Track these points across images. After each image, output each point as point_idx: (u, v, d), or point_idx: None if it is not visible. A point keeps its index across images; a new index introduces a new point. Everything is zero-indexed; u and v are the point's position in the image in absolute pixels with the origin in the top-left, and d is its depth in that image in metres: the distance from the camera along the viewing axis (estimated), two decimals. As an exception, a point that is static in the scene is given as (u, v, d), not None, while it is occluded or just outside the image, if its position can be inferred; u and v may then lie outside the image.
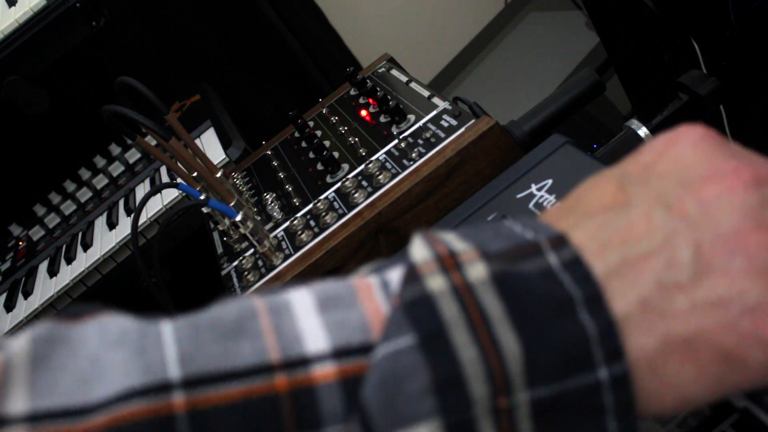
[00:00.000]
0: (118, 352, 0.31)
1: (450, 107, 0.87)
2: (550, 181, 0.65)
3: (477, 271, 0.31)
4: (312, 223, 0.86)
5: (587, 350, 0.30)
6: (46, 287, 1.45)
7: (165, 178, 1.51)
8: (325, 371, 0.30)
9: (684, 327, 0.31)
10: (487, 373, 0.29)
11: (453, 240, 0.33)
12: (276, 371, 0.30)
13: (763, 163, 0.35)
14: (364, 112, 1.01)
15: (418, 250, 0.32)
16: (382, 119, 0.95)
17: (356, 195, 0.84)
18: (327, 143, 0.99)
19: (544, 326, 0.30)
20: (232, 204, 0.87)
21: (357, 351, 0.31)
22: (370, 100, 0.99)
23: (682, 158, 0.36)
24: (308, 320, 0.32)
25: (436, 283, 0.31)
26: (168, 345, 0.31)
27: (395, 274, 0.33)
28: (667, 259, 0.32)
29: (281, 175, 1.00)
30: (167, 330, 0.32)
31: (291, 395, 0.30)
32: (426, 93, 0.93)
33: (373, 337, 0.31)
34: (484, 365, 0.29)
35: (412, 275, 0.31)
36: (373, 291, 0.33)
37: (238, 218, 0.83)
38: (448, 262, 0.31)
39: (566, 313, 0.30)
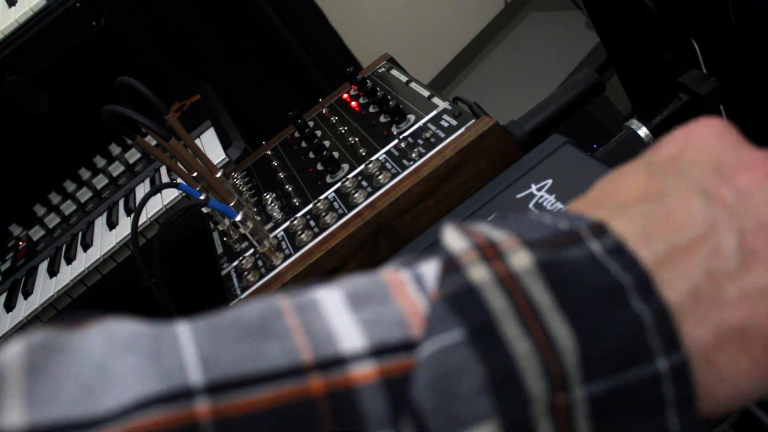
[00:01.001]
0: (129, 358, 0.27)
1: (450, 107, 0.87)
2: (550, 181, 0.65)
3: (520, 260, 0.29)
4: (312, 223, 0.86)
5: (644, 340, 0.28)
6: (46, 287, 1.45)
7: (165, 178, 1.51)
8: (365, 371, 0.28)
9: (736, 317, 0.30)
10: (542, 367, 0.27)
11: (489, 230, 0.31)
12: (309, 372, 0.27)
13: None
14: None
15: (454, 240, 0.30)
16: (382, 119, 0.95)
17: (356, 195, 0.84)
18: (327, 143, 0.99)
19: (596, 316, 0.28)
20: (232, 204, 0.87)
21: (397, 348, 0.29)
22: (371, 100, 1.00)
23: (710, 147, 0.35)
24: (340, 317, 0.29)
25: (479, 273, 0.29)
26: (186, 347, 0.28)
27: (429, 268, 0.31)
28: (712, 248, 0.31)
29: (281, 175, 1.00)
30: (183, 331, 0.29)
31: (328, 398, 0.27)
32: (426, 93, 0.93)
33: (413, 333, 0.29)
34: (539, 359, 0.27)
35: (451, 266, 0.29)
36: (407, 285, 0.31)
37: (238, 218, 0.83)
38: (489, 252, 0.29)
39: (618, 301, 0.29)
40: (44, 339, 0.28)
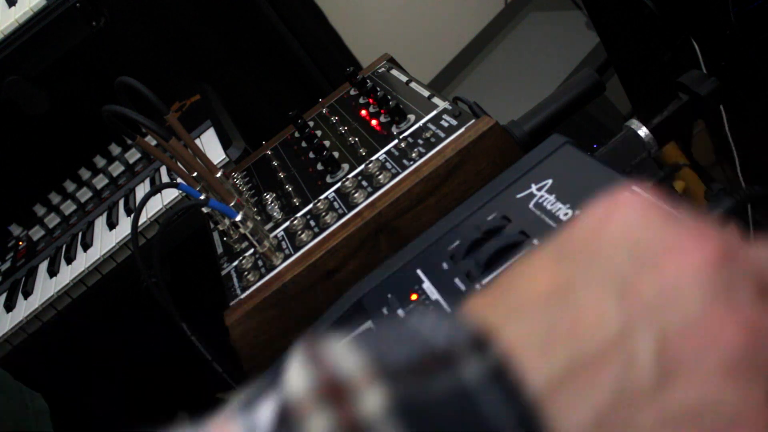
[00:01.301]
0: None
1: (450, 107, 0.87)
2: (550, 181, 0.65)
3: (373, 403, 0.24)
4: (312, 223, 0.86)
5: None
6: (46, 287, 1.45)
7: (165, 178, 1.51)
8: None
9: None
10: None
11: (344, 354, 0.26)
12: None
13: (724, 236, 0.29)
14: (364, 112, 1.01)
15: (296, 375, 0.25)
16: (382, 119, 0.95)
17: (356, 195, 0.84)
18: (327, 143, 0.99)
19: None
20: (232, 204, 0.87)
21: None
22: (370, 100, 0.99)
23: (630, 227, 0.30)
24: None
25: (318, 427, 0.24)
26: None
27: (265, 415, 0.25)
28: (625, 360, 0.25)
29: (281, 175, 1.00)
30: None
31: None
32: (426, 93, 0.93)
33: None
34: None
35: (286, 419, 0.24)
36: None
37: (238, 218, 0.83)
38: (335, 393, 0.24)
39: None
40: None
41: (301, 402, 0.24)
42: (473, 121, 0.82)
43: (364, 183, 0.85)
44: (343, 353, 0.26)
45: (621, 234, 0.29)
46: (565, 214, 0.61)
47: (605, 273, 0.28)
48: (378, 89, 0.97)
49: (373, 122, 0.96)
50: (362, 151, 0.91)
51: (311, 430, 0.24)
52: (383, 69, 1.10)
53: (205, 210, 0.92)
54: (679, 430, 0.25)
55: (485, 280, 0.61)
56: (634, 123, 0.77)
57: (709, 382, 0.25)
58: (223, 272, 0.90)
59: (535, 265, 0.30)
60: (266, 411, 0.25)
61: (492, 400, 0.24)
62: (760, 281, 0.28)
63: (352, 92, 1.08)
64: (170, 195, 1.42)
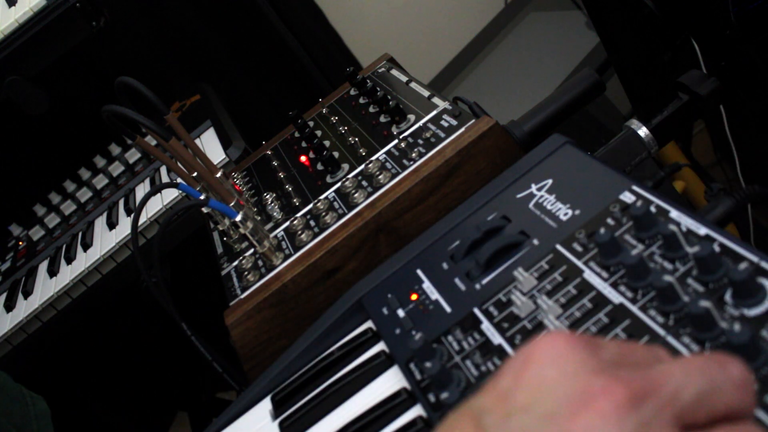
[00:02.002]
0: None
1: (450, 107, 0.87)
2: (550, 181, 0.65)
3: None
4: (312, 223, 0.86)
5: None
6: (46, 287, 1.45)
7: (165, 178, 1.51)
8: None
9: None
10: None
11: None
12: None
13: (639, 374, 0.30)
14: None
15: None
16: (382, 119, 0.95)
17: (356, 195, 0.84)
18: (327, 143, 0.99)
19: None
20: (232, 204, 0.87)
21: None
22: (370, 100, 1.00)
23: (543, 381, 0.31)
24: None
25: None
26: None
27: None
28: None
29: (281, 175, 1.00)
30: None
31: None
32: (426, 93, 0.93)
33: None
34: None
35: None
36: None
37: (238, 218, 0.83)
38: None
39: None
40: None
41: None
42: (473, 121, 0.82)
43: (364, 183, 0.85)
44: None
45: (534, 387, 0.31)
46: (565, 214, 0.61)
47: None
48: (378, 89, 0.97)
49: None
50: (362, 151, 0.91)
51: None
52: (383, 69, 1.10)
53: (205, 210, 0.92)
54: None
55: (485, 280, 0.61)
56: (634, 123, 0.77)
57: None
58: (223, 272, 0.90)
59: (457, 427, 0.33)
60: None
61: None
62: (674, 412, 0.29)
63: (352, 92, 1.08)
64: (170, 195, 1.42)
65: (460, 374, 0.54)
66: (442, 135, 0.83)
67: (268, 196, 0.96)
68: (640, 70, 1.44)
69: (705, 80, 0.77)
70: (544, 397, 0.30)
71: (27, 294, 1.47)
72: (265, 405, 0.70)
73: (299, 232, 0.85)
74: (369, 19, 2.62)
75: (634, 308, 0.49)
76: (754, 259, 0.46)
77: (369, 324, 0.70)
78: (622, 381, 0.29)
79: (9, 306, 1.48)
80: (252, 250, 0.89)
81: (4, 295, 1.55)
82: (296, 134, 1.06)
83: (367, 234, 0.80)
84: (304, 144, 1.02)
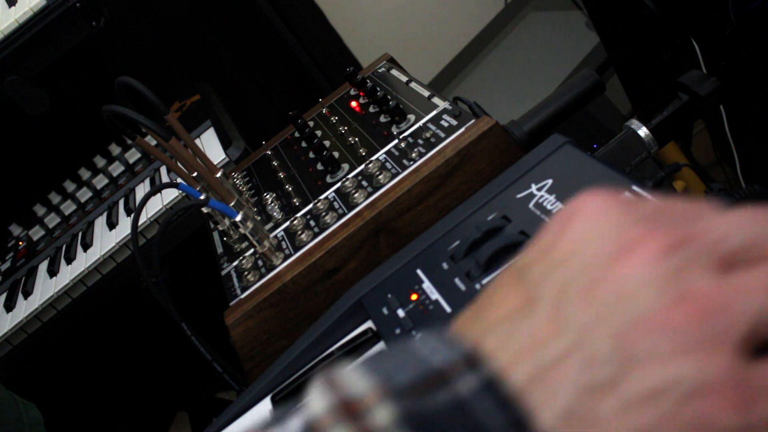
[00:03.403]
0: None
1: (450, 107, 0.87)
2: (550, 181, 0.65)
3: (382, 416, 0.27)
4: (312, 223, 0.86)
5: None
6: (46, 287, 1.45)
7: (165, 178, 1.51)
8: None
9: None
10: None
11: (355, 379, 0.29)
12: None
13: (676, 223, 0.31)
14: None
15: (316, 398, 0.29)
16: (382, 119, 0.95)
17: (356, 195, 0.84)
18: (327, 143, 0.99)
19: None
20: (232, 204, 0.87)
21: None
22: (370, 100, 1.00)
23: (583, 235, 0.32)
24: None
25: None
26: None
27: (292, 428, 0.29)
28: (584, 359, 0.29)
29: (281, 175, 1.00)
30: None
31: None
32: (426, 93, 0.93)
33: None
34: None
35: (311, 431, 0.28)
36: None
37: (238, 218, 0.83)
38: (350, 410, 0.28)
39: None
40: None
41: (323, 419, 0.28)
42: (473, 121, 0.82)
43: (364, 183, 0.85)
44: (356, 378, 0.29)
45: (575, 242, 0.33)
46: (565, 214, 0.61)
47: (561, 284, 0.31)
48: (378, 89, 0.97)
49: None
50: (362, 151, 0.91)
51: None
52: (383, 69, 1.10)
53: (205, 210, 0.92)
54: (642, 409, 0.27)
55: (485, 280, 0.61)
56: (634, 123, 0.77)
57: (667, 364, 0.28)
58: (223, 272, 0.90)
59: (499, 287, 0.34)
60: (294, 425, 0.29)
61: (488, 407, 0.28)
62: (716, 255, 0.30)
63: (352, 92, 1.08)
64: (170, 195, 1.42)
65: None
66: (442, 135, 0.83)
67: (268, 196, 0.96)
68: (640, 70, 1.44)
69: (705, 80, 0.77)
70: (584, 249, 0.32)
71: (27, 294, 1.47)
72: (265, 405, 0.70)
73: (299, 232, 0.85)
74: (369, 19, 2.62)
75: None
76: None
77: (369, 324, 0.70)
78: (661, 231, 0.31)
79: (9, 306, 1.48)
80: (252, 250, 0.89)
81: (4, 295, 1.55)
82: (296, 134, 1.06)
83: (367, 234, 0.80)
84: (304, 144, 1.02)
